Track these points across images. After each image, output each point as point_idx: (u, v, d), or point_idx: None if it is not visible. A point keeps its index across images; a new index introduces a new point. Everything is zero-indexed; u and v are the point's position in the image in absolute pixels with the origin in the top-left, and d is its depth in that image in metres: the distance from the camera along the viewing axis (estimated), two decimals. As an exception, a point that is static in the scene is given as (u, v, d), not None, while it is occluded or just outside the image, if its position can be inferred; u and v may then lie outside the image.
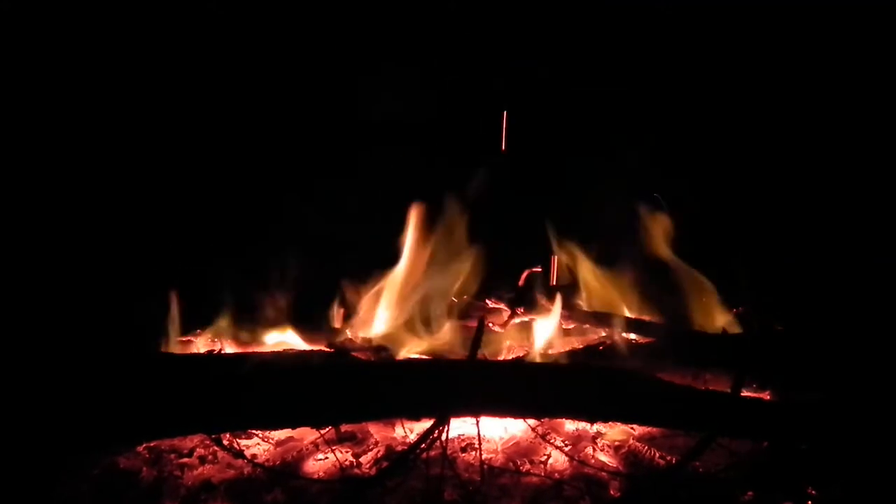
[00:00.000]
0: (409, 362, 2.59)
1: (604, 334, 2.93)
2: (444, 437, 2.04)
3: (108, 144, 3.34)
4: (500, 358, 2.76)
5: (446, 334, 2.77)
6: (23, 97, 3.19)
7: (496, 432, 2.32)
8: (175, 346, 2.81)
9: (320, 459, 2.21)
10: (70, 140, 3.30)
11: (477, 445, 2.15)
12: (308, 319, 2.94)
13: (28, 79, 3.20)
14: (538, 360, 2.59)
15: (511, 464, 2.15)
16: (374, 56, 3.40)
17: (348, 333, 2.86)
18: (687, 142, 3.46)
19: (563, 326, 2.95)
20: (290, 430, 2.27)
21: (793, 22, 3.35)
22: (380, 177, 3.39)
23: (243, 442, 2.31)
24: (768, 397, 2.50)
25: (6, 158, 3.17)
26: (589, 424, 2.29)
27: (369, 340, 2.75)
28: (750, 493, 2.01)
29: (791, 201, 3.44)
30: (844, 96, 3.39)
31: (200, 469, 2.16)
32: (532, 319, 2.98)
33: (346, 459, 2.19)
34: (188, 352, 2.78)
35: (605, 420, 2.16)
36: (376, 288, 2.94)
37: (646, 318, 2.99)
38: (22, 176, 3.20)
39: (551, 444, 2.22)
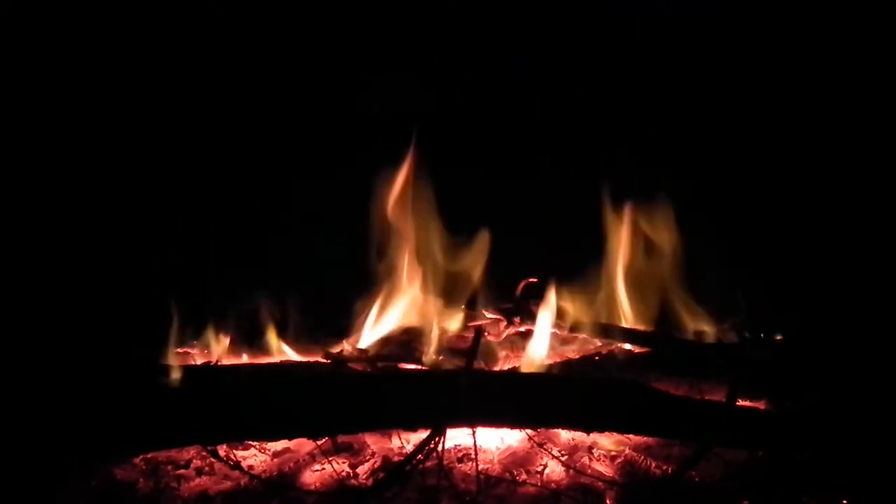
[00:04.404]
0: (406, 373, 2.60)
1: (600, 344, 2.94)
2: (440, 447, 2.05)
3: (109, 148, 3.34)
4: (497, 368, 2.77)
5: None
6: (20, 99, 3.19)
7: (492, 442, 2.32)
8: (172, 357, 2.80)
9: (317, 470, 2.21)
10: (70, 143, 3.30)
11: (473, 456, 2.15)
12: (305, 330, 2.94)
13: (27, 81, 3.20)
14: (534, 370, 2.60)
15: (507, 474, 2.15)
16: (374, 58, 3.40)
17: (345, 345, 2.86)
18: (683, 146, 3.46)
19: (560, 337, 2.95)
20: (286, 441, 2.27)
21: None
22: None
23: (240, 453, 2.31)
24: (764, 407, 2.50)
25: (6, 161, 3.17)
26: (585, 434, 2.29)
27: (366, 352, 2.76)
28: (746, 502, 2.01)
29: (787, 208, 3.43)
30: (851, 98, 3.37)
31: (197, 480, 2.16)
32: (528, 330, 2.97)
33: (343, 470, 2.19)
34: (185, 363, 2.77)
35: (602, 430, 2.17)
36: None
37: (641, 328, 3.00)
38: (21, 180, 3.19)
39: (548, 453, 2.23)
